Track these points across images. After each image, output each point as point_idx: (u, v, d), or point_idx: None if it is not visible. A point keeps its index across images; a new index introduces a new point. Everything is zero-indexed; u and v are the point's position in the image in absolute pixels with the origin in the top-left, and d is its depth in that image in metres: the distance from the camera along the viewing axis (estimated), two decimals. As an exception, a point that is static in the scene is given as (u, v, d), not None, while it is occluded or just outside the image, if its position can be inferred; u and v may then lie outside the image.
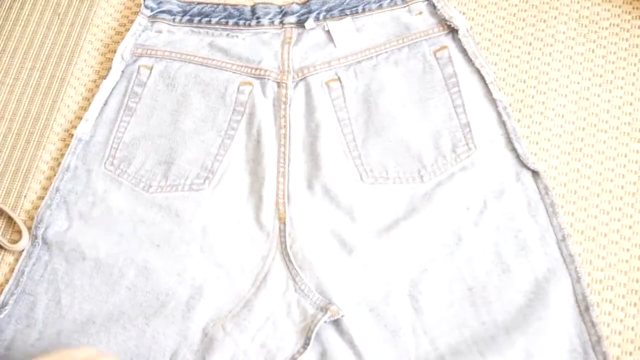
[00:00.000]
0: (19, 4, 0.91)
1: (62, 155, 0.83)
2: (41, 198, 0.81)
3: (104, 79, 0.83)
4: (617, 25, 0.84)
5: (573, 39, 0.84)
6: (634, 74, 0.82)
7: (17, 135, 0.85)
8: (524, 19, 0.86)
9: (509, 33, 0.85)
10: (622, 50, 0.83)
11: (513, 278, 0.72)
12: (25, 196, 0.82)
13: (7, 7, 0.91)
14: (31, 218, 0.80)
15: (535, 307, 0.70)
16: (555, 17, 0.85)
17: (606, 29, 0.84)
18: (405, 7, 0.85)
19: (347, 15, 0.85)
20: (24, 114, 0.86)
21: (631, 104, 0.81)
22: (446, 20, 0.83)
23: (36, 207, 0.80)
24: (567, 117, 0.81)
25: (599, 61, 0.83)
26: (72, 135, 0.82)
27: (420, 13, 0.84)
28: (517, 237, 0.73)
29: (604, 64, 0.83)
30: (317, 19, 0.85)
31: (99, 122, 0.82)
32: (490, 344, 0.69)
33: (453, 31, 0.83)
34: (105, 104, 0.83)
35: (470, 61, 0.81)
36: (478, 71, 0.81)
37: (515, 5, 0.86)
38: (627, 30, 0.84)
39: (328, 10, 0.85)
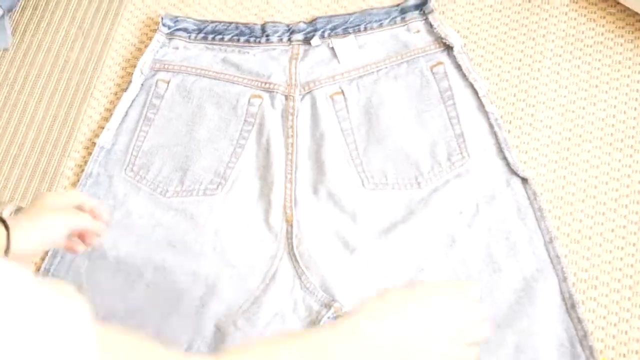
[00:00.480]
0: (46, 22, 0.93)
1: (86, 162, 0.84)
2: (66, 202, 0.83)
3: (125, 91, 0.86)
4: (601, 43, 0.86)
5: (560, 55, 0.86)
6: (616, 88, 0.83)
7: (44, 143, 0.87)
8: (514, 37, 0.87)
9: (500, 50, 0.87)
10: (605, 67, 0.85)
11: (503, 277, 0.73)
12: (51, 200, 0.84)
13: (35, 24, 0.93)
14: (57, 220, 0.82)
15: (524, 305, 0.72)
16: (543, 36, 0.87)
17: (590, 46, 0.86)
18: (404, 25, 0.87)
19: (350, 33, 0.87)
20: (50, 124, 0.88)
21: (614, 116, 0.82)
22: (442, 38, 0.85)
23: (61, 210, 0.82)
24: (554, 128, 0.82)
25: (584, 76, 0.84)
26: (95, 143, 0.84)
27: (418, 31, 0.86)
28: (507, 239, 0.75)
29: (588, 79, 0.84)
30: (322, 36, 0.87)
31: (120, 131, 0.84)
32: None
33: (448, 48, 0.85)
34: (126, 114, 0.85)
35: (464, 76, 0.83)
36: (471, 85, 0.82)
37: (506, 24, 0.88)
38: (610, 48, 0.86)
39: (332, 29, 0.87)
